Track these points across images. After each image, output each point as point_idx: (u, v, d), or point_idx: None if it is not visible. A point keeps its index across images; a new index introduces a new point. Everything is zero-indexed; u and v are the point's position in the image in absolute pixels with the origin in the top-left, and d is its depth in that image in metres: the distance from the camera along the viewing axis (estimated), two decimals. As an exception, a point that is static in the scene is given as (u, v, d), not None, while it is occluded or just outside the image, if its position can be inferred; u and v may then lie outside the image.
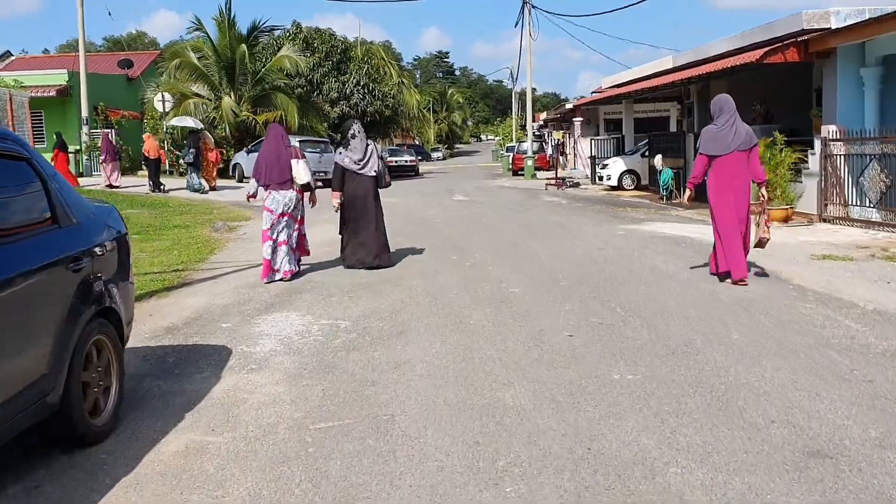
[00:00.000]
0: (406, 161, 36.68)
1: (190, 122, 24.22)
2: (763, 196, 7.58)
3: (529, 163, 32.13)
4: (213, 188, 21.67)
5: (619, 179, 22.54)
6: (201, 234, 12.24)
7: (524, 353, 5.12)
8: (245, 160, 24.34)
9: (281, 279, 7.96)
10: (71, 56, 31.47)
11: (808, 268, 8.21)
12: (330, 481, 3.27)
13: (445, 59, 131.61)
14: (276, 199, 8.04)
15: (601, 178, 23.45)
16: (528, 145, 34.16)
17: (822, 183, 12.55)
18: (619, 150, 25.64)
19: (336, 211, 8.86)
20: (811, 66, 13.65)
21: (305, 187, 8.21)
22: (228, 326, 6.10)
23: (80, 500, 3.16)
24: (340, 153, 8.91)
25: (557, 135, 33.92)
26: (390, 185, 9.17)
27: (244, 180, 23.44)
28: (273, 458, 3.52)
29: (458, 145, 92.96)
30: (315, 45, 35.76)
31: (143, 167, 20.99)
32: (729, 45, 15.88)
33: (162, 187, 20.27)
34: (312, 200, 8.58)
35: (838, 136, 12.28)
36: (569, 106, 37.07)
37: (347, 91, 35.72)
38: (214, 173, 22.57)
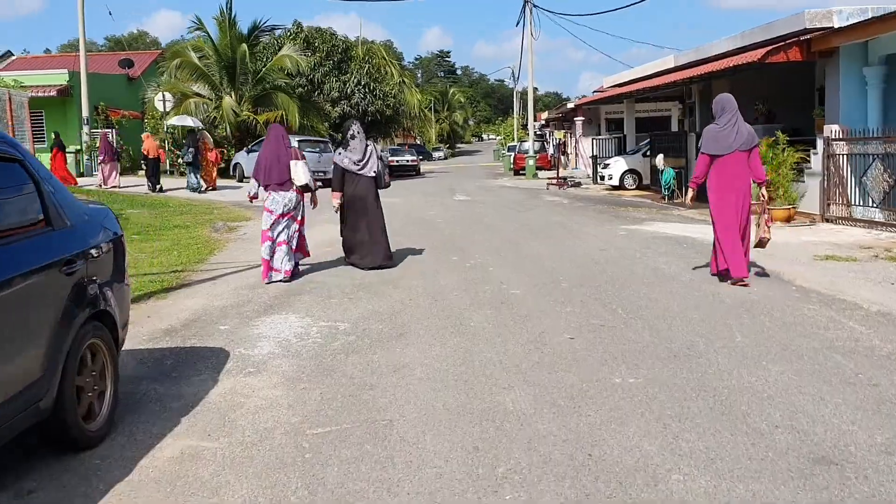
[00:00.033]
0: (407, 161, 36.68)
1: (189, 122, 24.20)
2: (763, 196, 7.55)
3: (531, 162, 32.08)
4: (213, 188, 21.65)
5: (621, 179, 22.48)
6: (201, 234, 12.20)
7: (525, 356, 5.06)
8: (245, 160, 24.30)
9: (281, 279, 7.91)
10: (72, 56, 31.44)
11: (811, 268, 8.15)
12: (327, 488, 3.22)
13: (447, 59, 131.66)
14: (276, 199, 8.01)
15: (603, 178, 23.40)
16: (530, 145, 34.11)
17: (825, 183, 12.49)
18: (621, 150, 25.57)
19: (336, 211, 8.83)
20: (814, 65, 13.58)
21: (304, 188, 8.17)
22: (227, 328, 6.05)
23: (73, 508, 3.12)
24: (340, 154, 8.87)
25: (559, 134, 33.87)
26: (389, 185, 9.14)
27: (244, 180, 23.41)
28: (269, 465, 3.46)
29: (459, 145, 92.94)
30: (316, 44, 35.70)
31: (143, 167, 20.95)
32: (731, 44, 15.82)
33: (158, 187, 20.24)
34: (314, 201, 8.56)
35: (841, 136, 12.21)
36: (570, 105, 36.97)
37: (348, 90, 35.66)
38: (214, 173, 22.53)
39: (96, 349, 3.83)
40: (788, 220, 12.33)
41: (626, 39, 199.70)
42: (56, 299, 3.45)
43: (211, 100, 28.44)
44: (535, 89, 39.72)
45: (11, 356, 3.07)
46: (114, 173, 21.12)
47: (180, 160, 24.13)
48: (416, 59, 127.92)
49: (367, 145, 8.83)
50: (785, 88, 15.94)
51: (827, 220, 12.33)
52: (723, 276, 7.39)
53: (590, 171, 27.18)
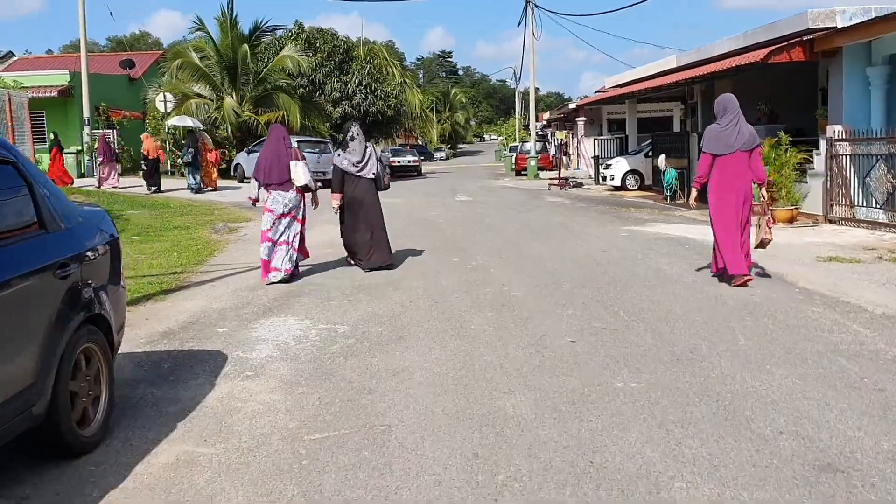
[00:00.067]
0: (409, 161, 36.64)
1: (189, 122, 24.17)
2: (764, 197, 7.52)
3: (532, 163, 32.02)
4: (214, 189, 21.61)
5: (623, 179, 22.40)
6: (201, 235, 12.16)
7: (525, 360, 5.01)
8: (246, 160, 24.26)
9: (281, 279, 7.87)
10: (73, 56, 31.39)
11: (815, 270, 8.09)
12: (324, 495, 3.17)
13: (448, 59, 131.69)
14: (277, 199, 7.99)
15: (604, 179, 23.32)
16: (532, 145, 34.03)
17: (828, 183, 12.42)
18: (623, 150, 25.50)
19: (336, 212, 8.80)
20: (816, 65, 13.51)
21: (304, 189, 8.14)
22: (225, 331, 6.00)
23: (66, 515, 3.07)
24: (339, 155, 8.83)
25: (561, 135, 33.86)
26: (389, 187, 9.11)
27: (245, 180, 23.36)
28: (265, 471, 3.41)
29: (461, 145, 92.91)
30: (317, 44, 35.66)
31: (143, 167, 20.93)
32: (733, 44, 15.74)
33: (153, 188, 20.18)
34: (314, 202, 8.53)
35: (844, 136, 12.15)
36: (572, 106, 36.94)
37: (350, 91, 35.61)
38: (215, 174, 22.49)
39: (91, 353, 3.78)
40: (791, 220, 12.27)
41: (627, 39, 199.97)
42: (49, 303, 3.40)
43: (212, 100, 28.41)
44: (537, 89, 39.71)
45: (3, 361, 3.02)
46: (113, 174, 21.10)
47: (180, 161, 24.10)
48: (418, 59, 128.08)
49: (366, 147, 8.79)
50: (788, 89, 15.86)
51: (830, 221, 12.26)
52: (723, 275, 7.34)
53: (591, 172, 27.12)
